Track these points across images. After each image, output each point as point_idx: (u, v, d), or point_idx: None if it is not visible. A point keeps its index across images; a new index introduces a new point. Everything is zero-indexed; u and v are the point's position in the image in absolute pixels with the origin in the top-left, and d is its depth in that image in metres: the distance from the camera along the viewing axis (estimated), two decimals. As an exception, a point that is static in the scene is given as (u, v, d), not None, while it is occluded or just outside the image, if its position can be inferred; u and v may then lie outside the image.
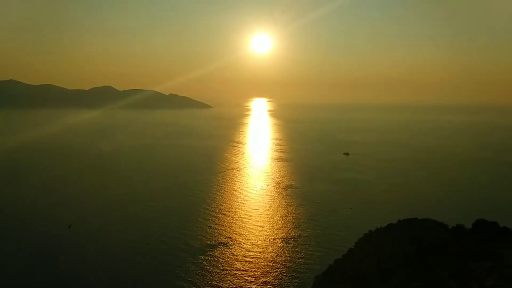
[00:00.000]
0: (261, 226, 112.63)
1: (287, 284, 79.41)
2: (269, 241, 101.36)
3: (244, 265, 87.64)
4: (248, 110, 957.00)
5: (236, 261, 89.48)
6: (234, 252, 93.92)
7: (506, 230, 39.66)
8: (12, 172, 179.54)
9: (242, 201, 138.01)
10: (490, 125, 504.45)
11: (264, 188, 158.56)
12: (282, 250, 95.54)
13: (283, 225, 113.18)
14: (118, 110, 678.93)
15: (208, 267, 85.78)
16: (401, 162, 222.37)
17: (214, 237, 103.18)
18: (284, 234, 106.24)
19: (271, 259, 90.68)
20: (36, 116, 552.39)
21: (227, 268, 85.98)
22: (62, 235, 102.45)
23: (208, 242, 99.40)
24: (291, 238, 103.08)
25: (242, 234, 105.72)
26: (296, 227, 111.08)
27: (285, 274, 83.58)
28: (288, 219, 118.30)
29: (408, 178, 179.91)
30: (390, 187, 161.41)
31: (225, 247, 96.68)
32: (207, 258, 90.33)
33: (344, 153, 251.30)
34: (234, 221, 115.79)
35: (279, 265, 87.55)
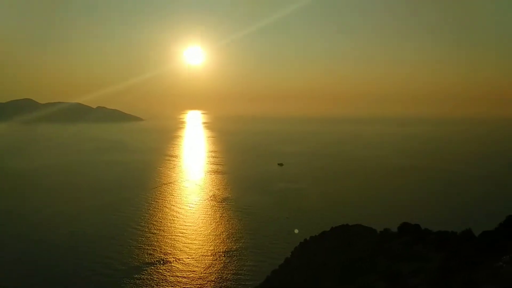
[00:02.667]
0: (196, 242, 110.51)
1: (224, 299, 78.33)
2: (204, 256, 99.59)
3: (183, 280, 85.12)
4: (182, 122, 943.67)
5: (174, 277, 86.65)
6: (166, 272, 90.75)
7: (428, 232, 42.69)
8: None
9: (176, 217, 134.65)
10: (416, 135, 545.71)
11: (199, 202, 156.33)
12: (218, 265, 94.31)
13: (219, 239, 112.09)
14: (39, 123, 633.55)
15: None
16: (332, 171, 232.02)
17: (146, 257, 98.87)
18: (220, 248, 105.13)
19: (207, 275, 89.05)
20: None
21: (166, 286, 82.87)
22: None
23: (138, 263, 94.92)
24: (227, 252, 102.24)
25: (175, 252, 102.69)
26: (232, 240, 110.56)
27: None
28: (224, 233, 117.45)
29: (339, 186, 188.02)
30: (322, 195, 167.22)
31: (157, 267, 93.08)
32: (138, 279, 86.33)
33: (278, 164, 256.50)
34: (167, 239, 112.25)
35: (216, 279, 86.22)
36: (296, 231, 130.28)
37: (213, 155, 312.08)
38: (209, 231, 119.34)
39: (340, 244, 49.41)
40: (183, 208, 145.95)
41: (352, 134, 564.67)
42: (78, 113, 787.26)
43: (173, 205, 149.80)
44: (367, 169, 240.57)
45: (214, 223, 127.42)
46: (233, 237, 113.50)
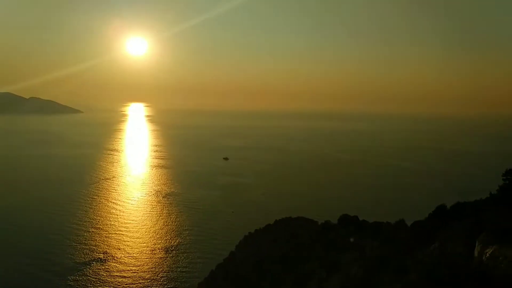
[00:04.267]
0: (139, 237, 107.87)
1: (168, 295, 77.35)
2: (148, 253, 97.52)
3: (121, 280, 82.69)
4: (124, 115, 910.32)
5: (112, 277, 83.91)
6: (109, 268, 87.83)
7: (365, 223, 45.07)
8: None
9: (118, 213, 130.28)
10: (361, 131, 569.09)
11: (142, 197, 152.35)
12: (163, 261, 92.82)
13: (163, 235, 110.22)
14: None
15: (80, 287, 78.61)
16: (276, 165, 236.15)
17: (86, 254, 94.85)
18: (164, 244, 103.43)
19: (151, 271, 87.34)
20: None
21: (102, 286, 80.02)
22: None
23: (79, 260, 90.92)
24: (172, 247, 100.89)
25: (118, 248, 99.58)
26: (177, 236, 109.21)
27: (166, 285, 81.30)
28: (169, 228, 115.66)
29: (283, 179, 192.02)
30: (267, 189, 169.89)
31: (99, 264, 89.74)
32: (78, 277, 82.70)
33: (223, 158, 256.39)
34: (109, 235, 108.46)
35: (159, 277, 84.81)
36: (232, 211, 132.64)
37: (157, 149, 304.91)
38: (153, 227, 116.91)
39: (283, 236, 50.68)
40: (125, 204, 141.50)
41: (296, 128, 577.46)
42: (9, 103, 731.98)
43: (115, 201, 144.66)
44: (311, 163, 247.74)
45: (158, 219, 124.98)
46: (178, 232, 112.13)
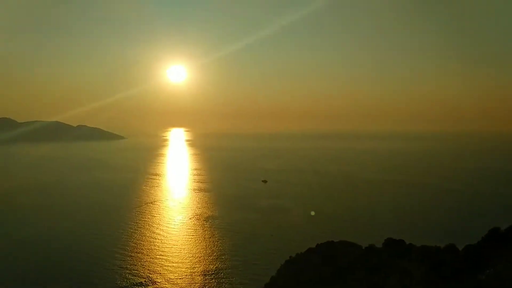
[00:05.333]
0: (180, 262, 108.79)
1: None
2: (189, 277, 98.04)
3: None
4: (165, 140, 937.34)
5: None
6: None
7: (412, 247, 43.26)
8: None
9: (159, 237, 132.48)
10: (399, 150, 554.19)
11: (182, 221, 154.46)
12: (203, 286, 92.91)
13: (203, 259, 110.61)
14: (16, 143, 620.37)
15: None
16: (316, 187, 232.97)
17: (128, 278, 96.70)
18: (204, 268, 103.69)
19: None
20: None
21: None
22: None
23: (122, 284, 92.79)
24: (212, 271, 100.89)
25: (159, 272, 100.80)
26: (217, 260, 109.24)
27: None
28: (209, 252, 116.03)
29: (323, 202, 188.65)
30: (307, 212, 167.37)
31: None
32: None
33: (262, 181, 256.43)
34: (150, 259, 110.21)
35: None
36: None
37: (196, 172, 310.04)
38: (193, 251, 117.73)
39: (325, 260, 49.55)
40: (166, 228, 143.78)
41: (336, 150, 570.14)
42: (58, 131, 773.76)
43: (157, 225, 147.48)
44: (350, 185, 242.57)
45: (198, 242, 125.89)
46: (218, 256, 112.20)
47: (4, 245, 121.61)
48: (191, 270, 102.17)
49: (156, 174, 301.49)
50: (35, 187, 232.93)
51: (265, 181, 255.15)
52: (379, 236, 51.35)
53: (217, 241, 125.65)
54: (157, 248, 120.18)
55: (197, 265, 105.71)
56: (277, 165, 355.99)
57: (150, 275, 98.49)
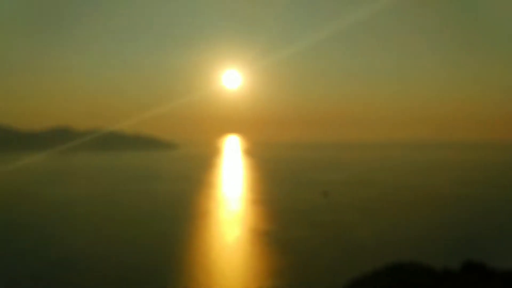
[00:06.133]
0: (232, 276, 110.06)
1: None
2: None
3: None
4: (220, 148, 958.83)
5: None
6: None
7: (494, 271, 40.68)
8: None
9: (213, 250, 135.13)
10: (475, 162, 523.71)
11: (236, 234, 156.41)
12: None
13: (258, 275, 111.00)
14: (76, 152, 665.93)
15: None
16: (382, 201, 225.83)
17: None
18: (258, 285, 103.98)
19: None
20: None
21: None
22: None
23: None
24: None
25: (212, 286, 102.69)
26: (274, 277, 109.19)
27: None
28: (264, 269, 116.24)
29: (392, 219, 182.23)
30: (374, 229, 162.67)
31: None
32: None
33: (323, 194, 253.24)
34: (203, 272, 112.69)
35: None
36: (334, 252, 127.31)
37: (252, 183, 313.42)
38: (247, 266, 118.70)
39: (394, 284, 47.89)
40: (219, 241, 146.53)
41: (402, 160, 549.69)
42: (114, 141, 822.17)
43: (210, 237, 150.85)
44: (422, 200, 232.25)
45: (253, 257, 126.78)
46: (276, 273, 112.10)
47: (65, 252, 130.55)
48: (244, 286, 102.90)
49: (210, 184, 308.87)
50: (92, 197, 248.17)
51: (326, 194, 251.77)
52: (457, 259, 48.78)
53: (273, 257, 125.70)
54: (209, 261, 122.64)
55: (250, 281, 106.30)
56: (339, 177, 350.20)
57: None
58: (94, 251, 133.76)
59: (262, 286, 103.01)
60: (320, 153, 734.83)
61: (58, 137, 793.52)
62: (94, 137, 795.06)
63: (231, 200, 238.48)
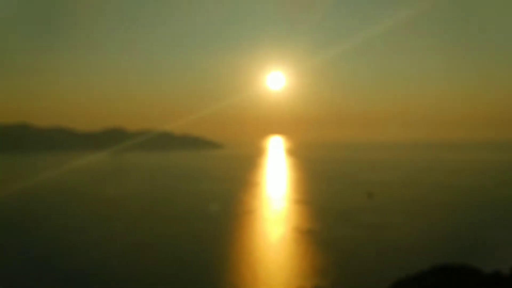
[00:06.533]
0: (275, 274, 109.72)
1: None
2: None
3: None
4: (264, 149, 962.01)
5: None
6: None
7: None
8: (17, 219, 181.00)
9: (257, 248, 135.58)
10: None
11: (281, 233, 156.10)
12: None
13: (302, 274, 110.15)
14: (129, 152, 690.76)
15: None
16: (430, 203, 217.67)
17: (227, 287, 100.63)
18: (303, 284, 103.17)
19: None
20: (45, 160, 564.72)
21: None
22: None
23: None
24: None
25: (254, 285, 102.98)
26: (317, 276, 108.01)
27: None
28: (308, 267, 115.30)
29: (439, 221, 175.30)
30: (420, 230, 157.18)
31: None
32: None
33: (367, 194, 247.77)
34: (247, 271, 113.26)
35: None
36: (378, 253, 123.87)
37: (295, 183, 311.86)
38: (289, 264, 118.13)
39: (440, 286, 45.98)
40: (263, 239, 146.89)
41: (451, 161, 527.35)
42: (164, 141, 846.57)
43: (254, 236, 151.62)
44: (472, 202, 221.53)
45: (295, 256, 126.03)
46: (319, 272, 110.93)
47: (120, 247, 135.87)
48: (287, 285, 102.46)
49: (254, 183, 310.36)
50: (144, 195, 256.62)
51: (370, 195, 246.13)
52: (508, 263, 46.13)
53: (316, 257, 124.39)
54: (253, 258, 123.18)
55: (296, 279, 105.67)
56: (384, 178, 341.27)
57: (245, 286, 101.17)
58: (145, 247, 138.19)
59: (305, 285, 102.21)
60: (364, 153, 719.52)
61: (113, 137, 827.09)
62: (145, 138, 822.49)
63: (275, 199, 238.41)
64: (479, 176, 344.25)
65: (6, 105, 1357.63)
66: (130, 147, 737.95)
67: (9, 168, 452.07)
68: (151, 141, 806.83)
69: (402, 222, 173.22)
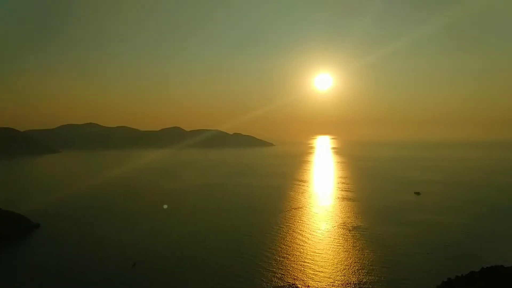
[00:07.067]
0: (325, 270, 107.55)
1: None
2: (334, 286, 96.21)
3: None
4: (311, 148, 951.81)
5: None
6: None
7: None
8: (88, 209, 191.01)
9: (305, 243, 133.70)
10: None
11: (328, 229, 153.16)
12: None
13: (349, 270, 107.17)
14: (185, 150, 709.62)
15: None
16: (479, 203, 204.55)
17: (271, 281, 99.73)
18: (349, 279, 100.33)
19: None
20: (111, 156, 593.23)
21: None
22: (125, 274, 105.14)
23: (267, 286, 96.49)
24: (358, 284, 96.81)
25: (301, 278, 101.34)
26: (365, 273, 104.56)
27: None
28: (355, 263, 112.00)
29: (489, 221, 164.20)
30: (469, 230, 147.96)
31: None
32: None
33: (414, 193, 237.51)
34: (295, 264, 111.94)
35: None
36: (427, 252, 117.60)
37: (343, 181, 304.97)
38: (337, 260, 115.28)
39: (491, 287, 42.52)
40: (312, 234, 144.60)
41: (500, 160, 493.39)
42: (218, 139, 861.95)
43: (302, 231, 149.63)
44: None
45: (344, 252, 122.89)
46: (364, 268, 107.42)
47: (177, 237, 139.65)
48: (333, 280, 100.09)
49: (303, 181, 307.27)
50: (199, 188, 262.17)
51: (418, 193, 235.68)
52: None
53: (363, 253, 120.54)
54: (301, 254, 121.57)
55: (340, 276, 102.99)
56: (432, 176, 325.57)
57: (293, 281, 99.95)
58: (200, 238, 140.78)
59: (352, 280, 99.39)
60: (411, 152, 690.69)
61: (171, 136, 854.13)
62: (201, 137, 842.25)
63: (322, 196, 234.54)
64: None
65: (76, 106, 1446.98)
66: (187, 145, 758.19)
67: (82, 164, 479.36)
68: (206, 139, 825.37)
69: (450, 221, 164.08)
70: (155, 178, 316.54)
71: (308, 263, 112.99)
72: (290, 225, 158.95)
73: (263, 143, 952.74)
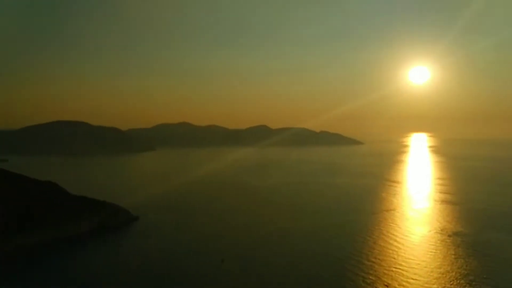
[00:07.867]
0: (416, 278, 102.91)
1: None
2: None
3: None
4: (405, 146, 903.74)
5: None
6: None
7: None
8: (182, 204, 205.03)
9: (398, 247, 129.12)
10: None
11: (424, 233, 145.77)
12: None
13: (446, 278, 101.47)
14: (271, 147, 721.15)
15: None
16: None
17: (360, 286, 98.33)
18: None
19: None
20: (201, 154, 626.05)
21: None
22: (214, 271, 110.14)
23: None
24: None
25: (395, 286, 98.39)
26: (463, 283, 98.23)
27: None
28: (452, 272, 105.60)
29: None
30: None
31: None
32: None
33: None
34: (387, 270, 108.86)
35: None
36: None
37: (440, 182, 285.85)
38: (432, 267, 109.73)
39: None
40: (407, 238, 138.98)
41: None
42: (304, 137, 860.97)
43: (396, 234, 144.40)
44: None
45: (442, 259, 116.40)
46: (465, 279, 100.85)
47: (263, 234, 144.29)
48: (433, 287, 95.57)
49: (395, 181, 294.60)
50: (285, 186, 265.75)
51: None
52: None
53: (463, 262, 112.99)
54: (393, 258, 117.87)
55: (439, 283, 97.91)
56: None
57: (391, 285, 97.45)
58: (285, 236, 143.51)
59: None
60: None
61: (258, 134, 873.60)
62: (287, 134, 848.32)
63: (417, 198, 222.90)
64: None
65: (170, 106, 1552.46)
66: (273, 142, 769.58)
67: (177, 161, 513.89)
68: (292, 137, 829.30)
69: None
70: (242, 175, 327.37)
71: (401, 269, 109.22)
72: (382, 228, 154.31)
73: (351, 141, 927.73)
